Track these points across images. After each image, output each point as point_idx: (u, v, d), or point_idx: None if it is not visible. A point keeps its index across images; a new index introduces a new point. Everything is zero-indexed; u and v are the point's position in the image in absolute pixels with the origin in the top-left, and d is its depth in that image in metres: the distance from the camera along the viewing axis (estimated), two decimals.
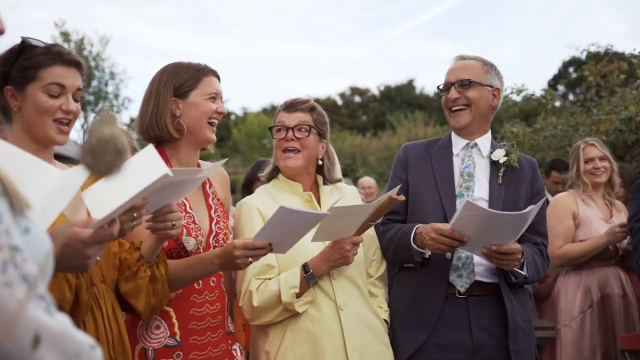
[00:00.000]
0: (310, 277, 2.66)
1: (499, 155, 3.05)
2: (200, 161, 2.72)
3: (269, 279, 2.71)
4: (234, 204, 3.12)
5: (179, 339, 2.45)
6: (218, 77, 2.65)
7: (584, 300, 4.38)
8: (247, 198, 2.91)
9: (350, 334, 2.70)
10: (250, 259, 2.32)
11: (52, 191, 1.12)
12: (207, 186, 2.69)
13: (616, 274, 4.42)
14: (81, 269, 1.84)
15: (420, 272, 2.95)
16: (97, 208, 1.77)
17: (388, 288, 3.04)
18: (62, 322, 0.99)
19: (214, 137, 2.61)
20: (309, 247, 2.69)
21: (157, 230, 2.16)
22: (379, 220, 2.86)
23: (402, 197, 2.71)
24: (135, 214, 1.92)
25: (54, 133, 2.13)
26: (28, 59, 2.11)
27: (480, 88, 3.03)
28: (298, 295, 2.65)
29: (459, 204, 2.92)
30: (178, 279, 2.39)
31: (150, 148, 1.98)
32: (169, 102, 2.55)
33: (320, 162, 2.91)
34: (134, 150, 3.72)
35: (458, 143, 3.11)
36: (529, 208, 2.68)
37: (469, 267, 2.90)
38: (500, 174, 3.03)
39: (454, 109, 3.07)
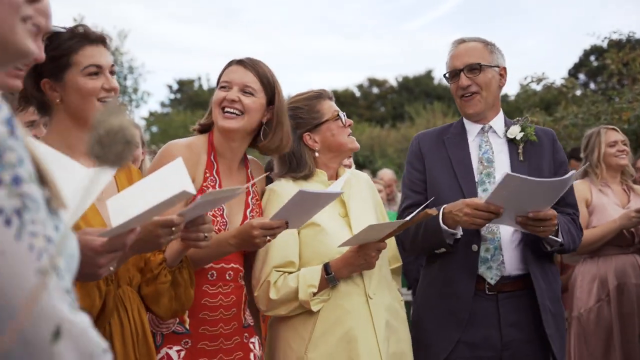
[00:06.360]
0: (331, 279, 2.63)
1: (515, 132, 2.97)
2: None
3: (289, 272, 2.67)
4: None
5: (187, 327, 2.46)
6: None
7: (601, 290, 4.29)
8: (276, 186, 2.81)
9: (380, 322, 2.67)
10: (268, 237, 2.36)
11: (78, 190, 1.11)
12: (251, 185, 2.66)
13: (634, 262, 4.30)
14: (92, 278, 1.81)
15: (448, 267, 2.88)
16: (117, 216, 1.76)
17: (414, 282, 3.01)
18: (83, 320, 0.98)
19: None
20: (330, 245, 2.67)
21: (188, 240, 2.17)
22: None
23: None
24: (173, 229, 1.95)
25: None
26: (56, 48, 2.08)
27: (489, 70, 2.96)
28: (315, 294, 2.63)
29: (481, 192, 2.86)
30: (194, 261, 2.41)
31: (179, 161, 1.99)
32: None
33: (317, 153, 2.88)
34: (142, 144, 3.71)
35: (472, 129, 3.03)
36: (570, 173, 2.63)
37: (498, 259, 2.83)
38: (520, 151, 2.96)
39: (465, 95, 2.98)
